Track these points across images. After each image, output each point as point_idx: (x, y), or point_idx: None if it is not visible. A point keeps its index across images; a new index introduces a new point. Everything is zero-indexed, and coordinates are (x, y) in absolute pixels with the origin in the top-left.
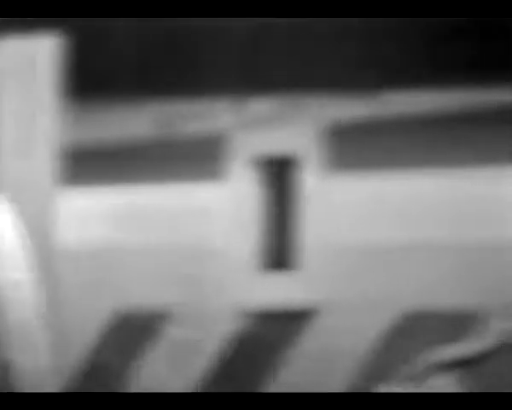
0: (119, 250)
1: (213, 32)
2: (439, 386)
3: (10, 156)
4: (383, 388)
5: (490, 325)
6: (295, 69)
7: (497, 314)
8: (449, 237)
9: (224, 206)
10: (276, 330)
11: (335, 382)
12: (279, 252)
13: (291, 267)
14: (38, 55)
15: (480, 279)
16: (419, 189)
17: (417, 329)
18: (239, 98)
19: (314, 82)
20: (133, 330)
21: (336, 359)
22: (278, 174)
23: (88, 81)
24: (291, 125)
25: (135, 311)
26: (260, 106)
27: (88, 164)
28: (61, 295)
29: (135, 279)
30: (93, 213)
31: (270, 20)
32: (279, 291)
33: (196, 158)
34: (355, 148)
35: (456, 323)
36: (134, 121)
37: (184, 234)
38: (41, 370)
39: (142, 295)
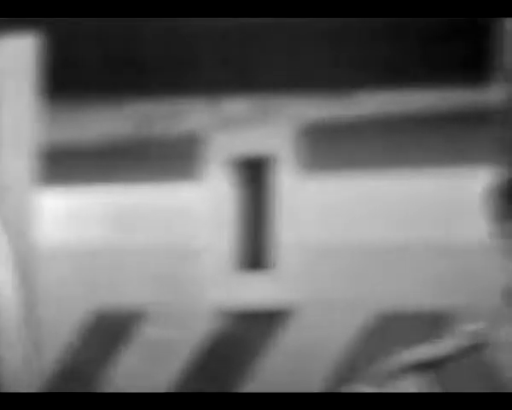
0: (96, 250)
1: (191, 32)
2: (407, 387)
3: None
4: (354, 388)
5: (458, 326)
6: (271, 70)
7: (465, 315)
8: (423, 239)
9: (201, 206)
10: (252, 329)
11: (312, 381)
12: (256, 252)
13: (267, 267)
14: (16, 55)
15: (449, 280)
16: (394, 189)
17: (392, 329)
18: (215, 99)
19: (290, 82)
20: (110, 330)
21: (312, 358)
22: (255, 174)
23: (65, 81)
24: (267, 126)
25: (112, 310)
26: (237, 106)
27: (66, 164)
28: (39, 295)
29: (112, 279)
30: (71, 213)
31: (245, 20)
32: (256, 291)
33: (173, 158)
34: (331, 148)
35: (431, 324)
36: (111, 121)
37: (161, 234)
38: (19, 369)
39: (119, 294)
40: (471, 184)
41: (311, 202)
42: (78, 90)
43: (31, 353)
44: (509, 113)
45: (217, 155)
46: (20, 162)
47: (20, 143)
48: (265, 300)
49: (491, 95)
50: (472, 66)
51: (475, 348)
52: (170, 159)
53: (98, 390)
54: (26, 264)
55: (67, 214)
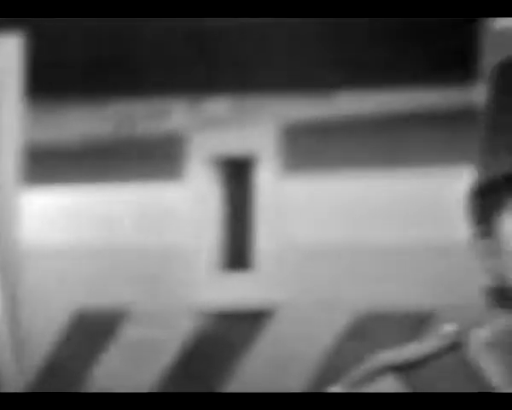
0: (78, 249)
1: (172, 32)
2: (385, 388)
3: None
4: (333, 388)
5: (437, 326)
6: (253, 70)
7: (449, 316)
8: (407, 239)
9: (183, 206)
10: (234, 329)
11: (291, 381)
12: (237, 252)
13: (250, 267)
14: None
15: (434, 281)
16: (378, 189)
17: (373, 330)
18: (197, 99)
19: (271, 83)
20: (93, 330)
21: (293, 358)
22: (237, 174)
23: (48, 81)
24: (249, 125)
25: (95, 310)
26: (218, 106)
27: (48, 164)
28: (21, 294)
29: (95, 278)
30: (53, 212)
31: (228, 20)
32: (238, 291)
33: (155, 158)
34: (312, 147)
35: (415, 324)
36: (94, 121)
37: (143, 233)
38: (3, 369)
39: (102, 294)
40: (457, 184)
41: (292, 202)
42: (60, 90)
43: (14, 353)
44: (486, 113)
45: (199, 154)
46: (4, 162)
47: (3, 142)
48: (248, 300)
49: (475, 95)
50: (458, 66)
51: (453, 349)
52: (152, 159)
53: (81, 390)
54: (8, 263)
55: (50, 214)
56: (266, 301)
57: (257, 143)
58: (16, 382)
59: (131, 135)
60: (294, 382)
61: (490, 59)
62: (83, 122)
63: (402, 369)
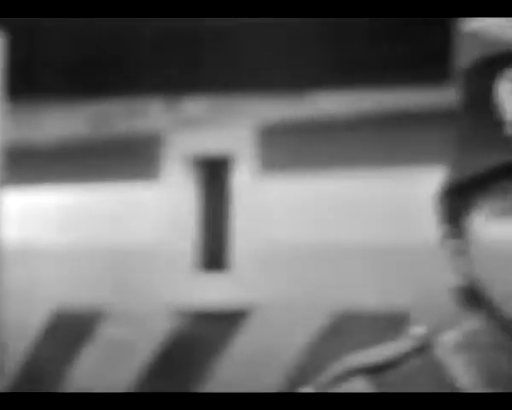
0: (55, 250)
1: (150, 32)
2: (354, 390)
3: None
4: (304, 390)
5: (410, 328)
6: (230, 70)
7: (420, 316)
8: (379, 240)
9: (160, 205)
10: (210, 329)
11: (266, 381)
12: (214, 253)
13: (225, 268)
14: None
15: (404, 281)
16: (354, 190)
17: (348, 331)
18: (174, 99)
19: (248, 83)
20: (69, 330)
21: (268, 358)
22: (214, 174)
23: (25, 81)
24: (225, 126)
25: (72, 310)
26: (195, 106)
27: (25, 164)
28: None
29: (71, 279)
30: (30, 213)
31: (206, 21)
32: (213, 292)
33: (131, 158)
34: (289, 148)
35: (385, 324)
36: (71, 121)
37: (119, 233)
38: None
39: (78, 294)
40: (427, 185)
41: (269, 203)
42: (38, 90)
43: None
44: (457, 114)
45: (176, 154)
46: None
47: None
48: (224, 300)
49: (449, 95)
50: (431, 66)
51: (422, 351)
52: (129, 158)
53: (59, 390)
54: None
55: (27, 214)
56: (243, 302)
57: (234, 144)
58: None
59: (109, 135)
60: (270, 382)
61: (462, 60)
62: (60, 122)
63: (372, 371)
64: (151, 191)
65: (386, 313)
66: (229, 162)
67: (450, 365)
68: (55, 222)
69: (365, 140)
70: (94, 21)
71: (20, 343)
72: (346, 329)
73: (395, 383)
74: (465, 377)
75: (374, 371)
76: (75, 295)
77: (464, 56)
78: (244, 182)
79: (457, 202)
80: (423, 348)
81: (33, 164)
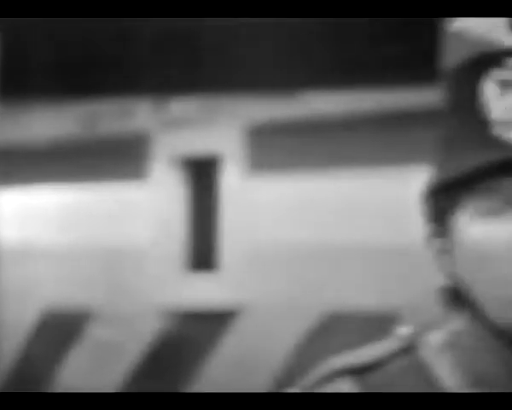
0: (45, 250)
1: (138, 33)
2: (340, 390)
3: None
4: (290, 390)
5: (394, 329)
6: (218, 70)
7: (409, 317)
8: (368, 240)
9: (148, 206)
10: (198, 329)
11: (255, 381)
12: (202, 252)
13: (213, 268)
14: None
15: (395, 282)
16: (343, 190)
17: (334, 331)
18: (162, 99)
19: (236, 83)
20: (58, 330)
21: (256, 358)
22: (202, 174)
23: (14, 82)
24: (213, 126)
25: (60, 311)
26: (183, 106)
27: (13, 164)
28: None
29: (60, 279)
30: (20, 213)
31: (194, 21)
32: (202, 292)
33: (119, 158)
34: (278, 148)
35: (373, 325)
36: (59, 121)
37: (108, 234)
38: None
39: (68, 295)
40: (414, 185)
41: (257, 203)
42: (27, 90)
43: None
44: (441, 114)
45: (164, 154)
46: None
47: None
48: (213, 300)
49: (435, 95)
50: (430, 66)
51: (408, 351)
52: (117, 158)
53: (48, 389)
54: None
55: (17, 215)
56: (231, 302)
57: (222, 144)
58: None
59: (97, 135)
60: (258, 382)
61: (447, 60)
62: (49, 122)
63: (358, 372)
64: (139, 192)
65: (373, 313)
66: (218, 162)
67: (435, 365)
68: (42, 222)
69: (358, 140)
70: (83, 22)
71: (9, 344)
72: (335, 330)
73: (381, 384)
74: (450, 378)
75: (360, 371)
76: (64, 294)
77: (450, 56)
78: (233, 182)
79: (443, 201)
80: (409, 349)
81: (23, 164)
